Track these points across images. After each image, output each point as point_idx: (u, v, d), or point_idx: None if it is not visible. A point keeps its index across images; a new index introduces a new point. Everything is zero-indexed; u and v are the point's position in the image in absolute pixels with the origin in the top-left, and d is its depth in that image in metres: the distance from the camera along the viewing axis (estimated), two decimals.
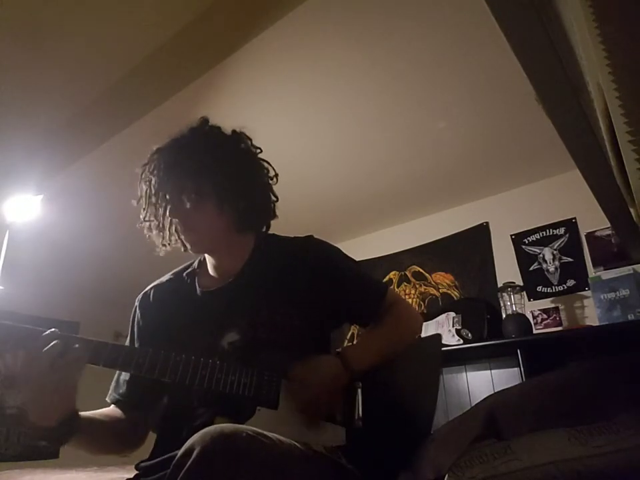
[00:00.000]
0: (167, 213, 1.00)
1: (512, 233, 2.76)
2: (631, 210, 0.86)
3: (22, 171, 2.31)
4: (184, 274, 1.10)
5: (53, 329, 0.81)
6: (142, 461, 0.92)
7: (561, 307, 2.49)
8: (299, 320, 0.97)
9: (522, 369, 2.19)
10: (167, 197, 0.98)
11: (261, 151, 1.08)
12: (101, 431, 0.95)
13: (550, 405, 0.76)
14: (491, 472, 0.68)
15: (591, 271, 2.44)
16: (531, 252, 2.68)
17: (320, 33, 1.70)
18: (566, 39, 0.56)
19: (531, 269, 2.65)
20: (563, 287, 2.53)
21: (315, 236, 1.10)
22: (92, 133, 2.20)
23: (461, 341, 2.47)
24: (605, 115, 0.53)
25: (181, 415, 0.93)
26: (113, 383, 1.06)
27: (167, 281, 1.11)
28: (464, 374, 2.65)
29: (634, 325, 2.05)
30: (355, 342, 2.95)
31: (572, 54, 0.58)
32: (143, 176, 1.01)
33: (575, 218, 2.57)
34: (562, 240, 2.59)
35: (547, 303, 2.55)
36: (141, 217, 1.04)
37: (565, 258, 2.56)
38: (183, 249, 1.05)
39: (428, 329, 2.56)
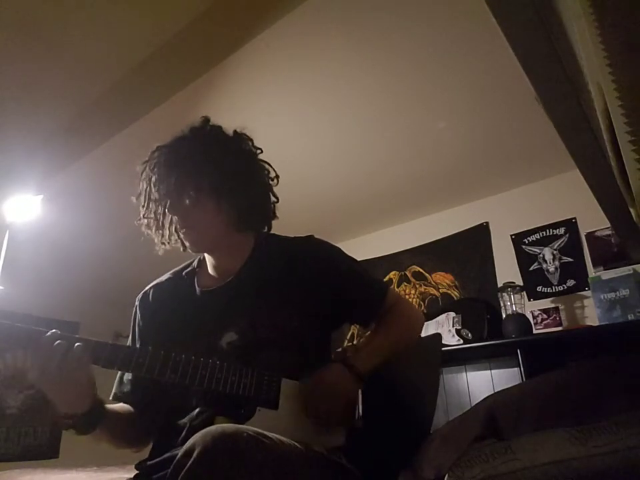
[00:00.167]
0: (166, 211, 1.00)
1: (512, 233, 2.76)
2: (631, 210, 0.86)
3: (22, 171, 2.31)
4: (183, 273, 1.10)
5: (54, 330, 0.82)
6: (142, 461, 0.92)
7: (561, 306, 2.49)
8: (299, 320, 0.97)
9: (522, 368, 2.19)
10: (167, 194, 0.98)
11: (262, 152, 1.08)
12: (122, 421, 0.98)
13: (550, 404, 0.76)
14: (490, 472, 0.68)
15: (591, 271, 2.44)
16: (531, 252, 2.68)
17: (320, 33, 1.70)
18: (566, 39, 0.56)
19: (531, 269, 2.65)
20: (563, 287, 2.53)
21: (315, 236, 1.10)
22: (92, 133, 2.20)
23: (461, 341, 2.47)
24: (605, 115, 0.53)
25: (181, 414, 0.93)
26: (117, 381, 1.06)
27: (166, 280, 1.11)
28: (464, 374, 2.65)
29: (634, 324, 2.05)
30: (358, 343, 2.95)
31: (572, 54, 0.58)
32: (143, 174, 1.02)
33: (575, 218, 2.57)
34: (562, 240, 2.59)
35: (547, 303, 2.55)
36: (140, 214, 1.04)
37: (565, 258, 2.56)
38: (182, 248, 1.05)
39: (428, 329, 2.56)
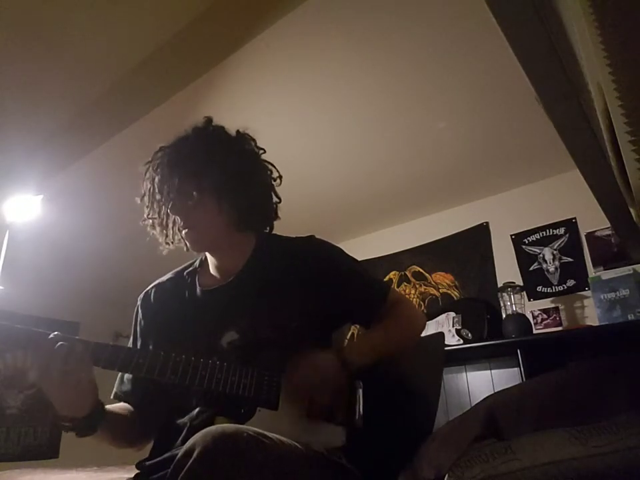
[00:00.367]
0: (169, 211, 1.00)
1: (512, 233, 2.76)
2: (631, 210, 0.86)
3: (22, 171, 2.31)
4: (185, 273, 1.10)
5: (56, 332, 0.82)
6: (142, 461, 0.92)
7: (561, 306, 2.49)
8: (299, 320, 0.97)
9: (522, 368, 2.19)
10: (170, 194, 0.98)
11: (265, 152, 1.08)
12: (122, 422, 0.98)
13: (550, 404, 0.76)
14: (490, 472, 0.68)
15: (591, 271, 2.44)
16: (531, 252, 2.68)
17: (320, 33, 1.70)
18: (566, 39, 0.56)
19: (531, 269, 2.65)
20: (563, 287, 2.53)
21: (316, 236, 1.10)
22: (92, 133, 2.20)
23: (461, 341, 2.47)
24: (605, 115, 0.53)
25: (181, 414, 0.93)
26: (118, 381, 1.06)
27: (167, 280, 1.12)
28: (464, 374, 2.65)
29: (634, 324, 2.05)
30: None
31: (572, 54, 0.57)
32: (147, 174, 1.02)
33: (575, 218, 2.57)
34: (562, 240, 2.59)
35: (547, 303, 2.55)
36: (145, 214, 1.04)
37: (565, 258, 2.56)
38: (185, 248, 1.05)
39: (428, 329, 2.53)
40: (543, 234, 2.67)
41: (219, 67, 1.81)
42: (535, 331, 2.42)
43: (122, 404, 1.03)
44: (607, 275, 2.24)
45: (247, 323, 0.96)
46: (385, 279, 3.15)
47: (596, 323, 2.22)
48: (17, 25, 1.59)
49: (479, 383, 2.58)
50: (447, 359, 2.50)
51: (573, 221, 2.57)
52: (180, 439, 0.88)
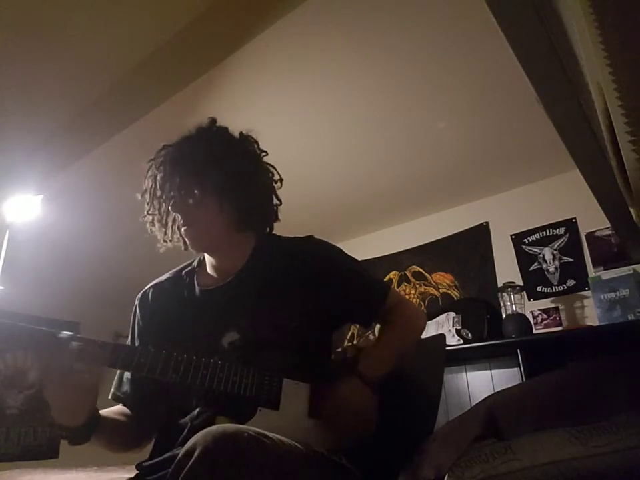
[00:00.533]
0: (170, 209, 1.01)
1: (512, 233, 2.76)
2: (631, 210, 0.86)
3: (22, 171, 2.31)
4: (183, 273, 1.10)
5: (70, 333, 0.82)
6: (142, 461, 0.92)
7: (561, 306, 2.49)
8: (299, 320, 0.97)
9: (522, 368, 2.19)
10: (171, 193, 0.98)
11: (267, 154, 1.09)
12: (118, 429, 0.97)
13: (550, 404, 0.76)
14: (490, 472, 0.68)
15: (591, 271, 2.44)
16: (531, 252, 2.68)
17: (320, 33, 1.70)
18: (566, 39, 0.56)
19: (531, 269, 2.65)
20: (563, 287, 2.53)
21: (315, 236, 1.10)
22: (92, 133, 2.20)
23: (461, 341, 2.47)
24: (605, 115, 0.53)
25: (181, 414, 0.93)
26: (115, 381, 1.06)
27: (166, 280, 1.11)
28: (464, 374, 2.65)
29: (634, 324, 2.05)
30: (359, 343, 2.95)
31: (572, 54, 0.57)
32: (149, 171, 1.03)
33: (575, 218, 2.57)
34: (562, 240, 2.59)
35: (547, 303, 2.55)
36: (145, 211, 1.05)
37: (565, 258, 2.56)
38: (183, 247, 1.06)
39: (428, 329, 2.55)
40: (542, 234, 2.67)
41: (219, 67, 1.81)
42: (535, 331, 2.42)
43: (118, 407, 1.03)
44: (607, 274, 2.24)
45: (247, 323, 0.96)
46: (385, 279, 3.15)
47: (596, 323, 2.22)
48: (17, 25, 1.59)
49: (479, 383, 2.58)
50: (447, 359, 2.50)
51: (573, 221, 2.57)
52: (180, 438, 0.88)
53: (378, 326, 1.10)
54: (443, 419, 0.96)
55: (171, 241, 1.06)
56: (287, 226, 1.12)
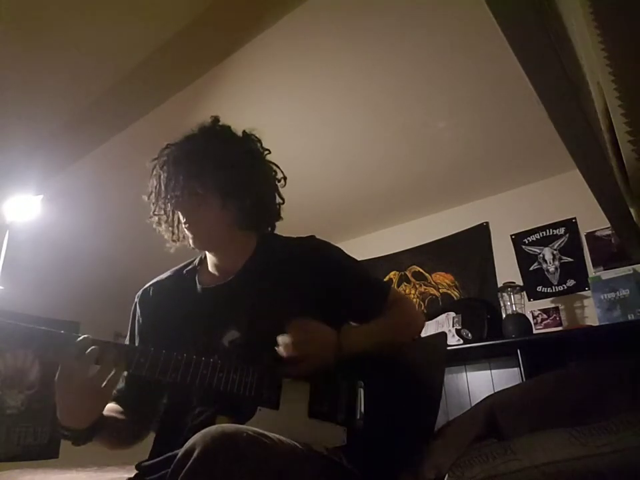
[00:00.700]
0: (173, 207, 1.01)
1: (512, 233, 2.76)
2: (631, 210, 0.86)
3: (22, 171, 2.31)
4: (184, 271, 1.10)
5: (86, 335, 0.82)
6: (142, 461, 0.92)
7: (561, 306, 2.49)
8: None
9: (522, 369, 2.19)
10: (174, 191, 0.99)
11: (270, 153, 1.09)
12: (118, 427, 0.98)
13: (550, 405, 0.76)
14: (491, 472, 0.68)
15: (591, 271, 2.44)
16: (531, 252, 2.68)
17: (320, 33, 1.70)
18: (566, 39, 0.56)
19: (531, 268, 2.65)
20: (563, 287, 2.53)
21: (316, 236, 1.10)
22: (92, 133, 2.20)
23: (461, 341, 2.47)
24: (605, 114, 0.53)
25: (181, 414, 0.93)
26: None
27: (166, 278, 1.12)
28: (464, 374, 2.65)
29: (634, 324, 2.05)
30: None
31: (572, 54, 0.58)
32: (153, 171, 1.03)
33: (575, 218, 2.57)
34: (562, 240, 2.59)
35: (546, 303, 2.55)
36: (151, 211, 1.05)
37: (564, 258, 2.56)
38: (189, 246, 1.06)
39: (428, 329, 2.55)
40: (542, 234, 2.67)
41: (218, 67, 1.82)
42: (534, 331, 2.42)
43: (112, 405, 1.02)
44: (607, 274, 2.24)
45: (248, 321, 0.96)
46: (385, 279, 3.15)
47: (596, 323, 2.22)
48: (17, 26, 1.59)
49: (479, 383, 2.58)
50: (447, 359, 2.50)
51: (573, 221, 2.57)
52: (180, 438, 0.88)
53: None
54: (443, 419, 0.96)
55: (178, 240, 1.07)
56: (286, 226, 1.12)
